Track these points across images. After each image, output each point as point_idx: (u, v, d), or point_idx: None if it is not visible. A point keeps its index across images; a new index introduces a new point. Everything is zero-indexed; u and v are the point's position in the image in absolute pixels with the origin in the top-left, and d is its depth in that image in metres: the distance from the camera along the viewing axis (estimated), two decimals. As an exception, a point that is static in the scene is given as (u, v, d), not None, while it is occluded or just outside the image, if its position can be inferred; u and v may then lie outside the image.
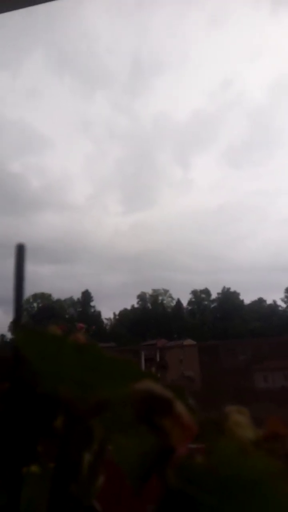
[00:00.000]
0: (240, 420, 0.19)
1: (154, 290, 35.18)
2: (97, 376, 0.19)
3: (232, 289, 33.86)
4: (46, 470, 0.22)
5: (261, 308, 32.21)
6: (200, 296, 34.46)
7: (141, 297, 34.88)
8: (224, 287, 34.06)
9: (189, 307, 33.84)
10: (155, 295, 34.97)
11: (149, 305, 34.33)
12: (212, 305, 33.68)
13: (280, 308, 32.30)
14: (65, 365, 0.20)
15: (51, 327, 0.26)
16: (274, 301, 32.94)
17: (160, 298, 34.79)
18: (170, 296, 34.97)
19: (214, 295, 34.08)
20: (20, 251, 0.26)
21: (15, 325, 0.23)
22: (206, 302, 34.19)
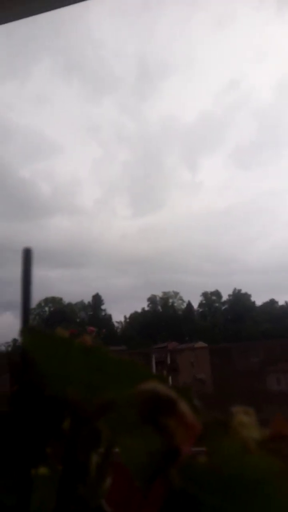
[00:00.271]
0: (245, 421, 0.19)
1: (164, 293, 35.10)
2: (103, 378, 0.19)
3: (243, 291, 33.60)
4: (55, 472, 0.22)
5: (273, 309, 31.85)
6: (211, 298, 34.25)
7: (152, 300, 34.84)
8: (235, 289, 33.82)
9: (200, 310, 33.67)
10: (166, 297, 34.89)
11: (159, 307, 34.26)
12: (223, 307, 33.45)
13: (292, 309, 31.87)
14: (72, 367, 0.20)
15: (58, 329, 0.26)
16: (286, 302, 32.55)
17: (170, 300, 34.70)
18: (181, 299, 34.86)
19: (225, 297, 33.86)
20: (27, 255, 0.27)
21: (23, 328, 0.23)
22: (217, 304, 33.97)
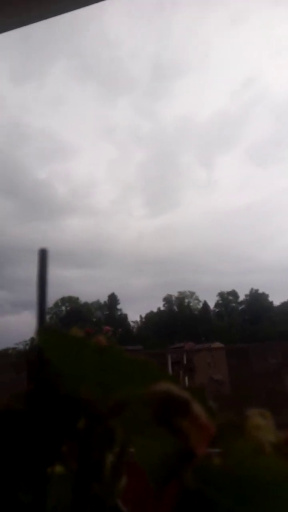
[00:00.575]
0: (260, 423, 0.19)
1: (180, 293, 34.99)
2: (117, 377, 0.19)
3: (260, 291, 33.15)
4: (71, 470, 0.23)
5: (291, 309, 31.28)
6: (227, 298, 33.94)
7: (167, 299, 34.79)
8: (252, 289, 33.40)
9: (216, 310, 33.40)
10: (181, 297, 34.77)
11: (175, 307, 34.18)
12: (240, 307, 33.09)
13: (311, 310, 31.24)
14: (86, 366, 0.20)
15: (73, 329, 0.26)
16: (305, 303, 31.91)
17: (186, 300, 34.57)
18: (197, 299, 34.67)
19: (242, 297, 33.49)
20: (43, 255, 0.27)
21: (39, 328, 0.24)
22: (233, 304, 33.63)
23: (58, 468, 0.23)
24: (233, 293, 34.18)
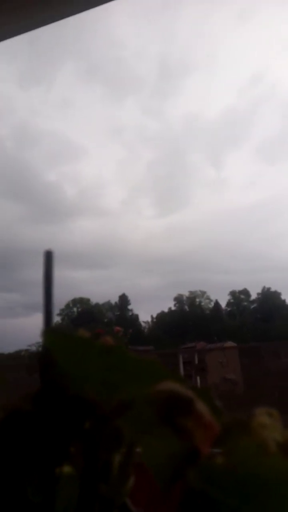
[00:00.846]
0: (267, 422, 0.19)
1: (191, 292, 34.87)
2: (122, 377, 0.19)
3: (272, 289, 32.82)
4: (79, 471, 0.23)
5: (305, 307, 30.89)
6: (239, 297, 33.69)
7: (178, 299, 34.70)
8: (264, 287, 33.09)
9: (228, 309, 33.19)
10: (192, 297, 34.64)
11: (186, 307, 34.07)
12: (252, 306, 32.83)
13: None
14: (91, 366, 0.20)
15: (80, 330, 0.26)
16: None
17: (197, 300, 34.42)
18: (208, 298, 34.51)
19: (253, 296, 33.21)
20: (48, 257, 0.27)
21: (45, 329, 0.24)
22: (245, 303, 33.37)
23: (67, 469, 0.23)
24: (245, 292, 33.90)
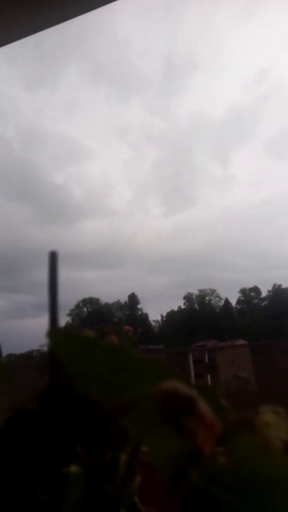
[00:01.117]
0: (272, 420, 0.18)
1: (200, 291, 34.74)
2: (126, 377, 0.19)
3: (283, 286, 32.52)
4: (86, 470, 0.23)
5: (316, 304, 30.52)
6: (249, 294, 33.46)
7: (188, 298, 34.61)
8: (275, 284, 32.81)
9: (238, 307, 32.99)
10: (202, 295, 34.51)
11: (196, 306, 33.96)
12: (263, 304, 32.56)
13: None
14: (96, 366, 0.20)
15: (85, 330, 0.26)
16: None
17: (207, 298, 34.28)
18: (218, 296, 34.34)
19: (264, 293, 32.95)
20: (53, 258, 0.27)
21: (50, 330, 0.24)
22: (256, 301, 33.11)
23: (74, 468, 0.23)
24: (255, 289, 33.67)
